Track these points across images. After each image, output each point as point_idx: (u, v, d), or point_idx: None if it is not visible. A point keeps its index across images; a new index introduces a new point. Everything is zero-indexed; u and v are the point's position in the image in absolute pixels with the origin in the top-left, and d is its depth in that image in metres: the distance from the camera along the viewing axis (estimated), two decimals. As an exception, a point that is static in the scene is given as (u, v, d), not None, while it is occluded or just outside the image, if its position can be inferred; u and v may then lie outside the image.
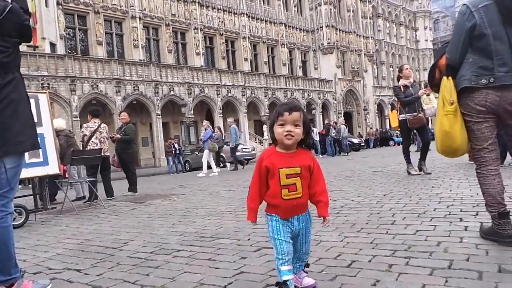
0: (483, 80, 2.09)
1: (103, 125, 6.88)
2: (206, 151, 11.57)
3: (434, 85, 2.42)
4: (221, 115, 26.89)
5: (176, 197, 6.04)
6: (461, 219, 2.76)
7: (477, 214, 2.86)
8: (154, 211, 4.77)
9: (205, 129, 12.02)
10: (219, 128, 14.91)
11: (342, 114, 35.95)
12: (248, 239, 2.81)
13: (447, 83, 2.22)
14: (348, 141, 22.61)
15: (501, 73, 2.05)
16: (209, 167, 11.46)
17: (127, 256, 2.67)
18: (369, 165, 9.11)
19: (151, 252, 2.70)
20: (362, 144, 27.63)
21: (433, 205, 3.39)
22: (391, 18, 46.28)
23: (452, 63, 2.22)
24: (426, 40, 50.11)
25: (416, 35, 50.14)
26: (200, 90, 26.00)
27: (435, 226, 2.66)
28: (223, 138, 14.29)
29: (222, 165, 14.29)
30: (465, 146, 2.24)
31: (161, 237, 3.20)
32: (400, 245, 2.29)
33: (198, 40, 27.88)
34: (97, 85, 21.31)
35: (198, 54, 27.79)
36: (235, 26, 30.43)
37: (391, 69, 45.34)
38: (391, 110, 8.78)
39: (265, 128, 29.93)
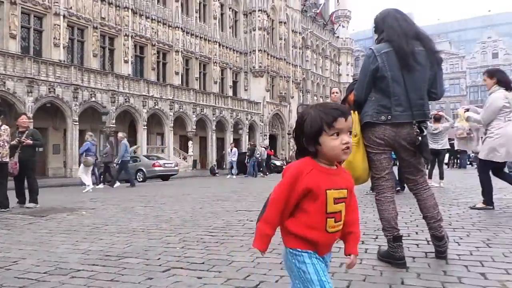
0: (382, 117, 2.36)
1: (4, 127, 6.11)
2: (81, 165, 10.85)
3: None
4: (145, 127, 25.86)
5: (84, 212, 5.56)
6: (363, 242, 2.97)
7: (377, 238, 3.11)
8: (56, 227, 4.32)
9: (86, 140, 11.15)
10: (110, 143, 13.71)
11: (268, 136, 37.11)
12: (158, 259, 2.68)
13: (353, 117, 2.45)
14: (271, 163, 23.53)
15: (397, 112, 2.34)
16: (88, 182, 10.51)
17: (15, 276, 2.36)
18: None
19: (44, 272, 2.43)
20: (285, 166, 28.75)
21: (340, 228, 3.61)
22: (318, 51, 49.89)
23: (358, 99, 2.48)
24: (348, 75, 54.78)
25: (339, 69, 54.66)
26: (125, 99, 24.76)
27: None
28: (113, 153, 13.33)
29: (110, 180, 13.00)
30: (366, 176, 2.47)
31: (59, 255, 2.89)
32: (307, 266, 2.38)
33: (128, 47, 26.73)
34: (5, 82, 19.02)
35: (126, 62, 26.59)
36: (169, 39, 29.92)
37: (315, 97, 48.41)
38: None
39: (190, 143, 29.49)
